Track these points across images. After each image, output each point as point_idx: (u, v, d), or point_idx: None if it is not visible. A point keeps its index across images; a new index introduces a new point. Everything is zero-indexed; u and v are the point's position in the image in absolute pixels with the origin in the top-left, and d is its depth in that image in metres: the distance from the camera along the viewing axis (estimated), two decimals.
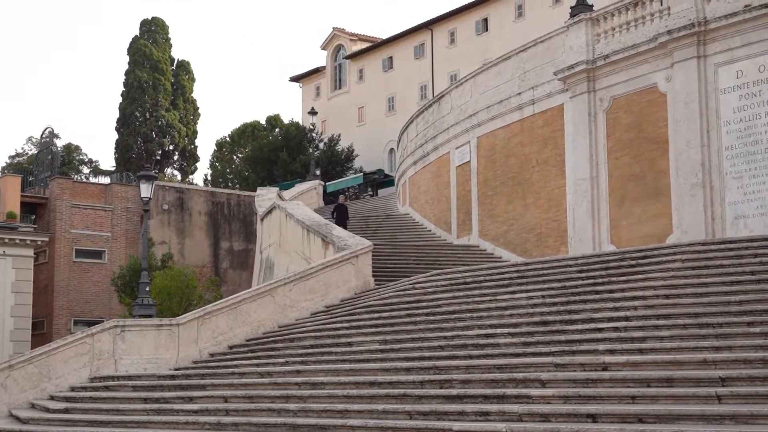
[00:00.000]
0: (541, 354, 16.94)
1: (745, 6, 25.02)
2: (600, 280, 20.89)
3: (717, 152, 25.74)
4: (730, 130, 25.53)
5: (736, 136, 25.38)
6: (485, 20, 70.17)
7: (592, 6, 31.24)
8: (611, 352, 16.05)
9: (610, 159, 28.92)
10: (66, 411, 22.08)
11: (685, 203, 26.20)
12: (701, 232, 25.39)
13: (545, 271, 23.12)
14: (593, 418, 13.41)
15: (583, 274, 21.79)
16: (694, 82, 26.20)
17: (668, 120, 27.07)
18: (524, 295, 21.29)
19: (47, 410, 22.54)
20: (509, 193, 33.76)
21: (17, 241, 49.09)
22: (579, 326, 18.06)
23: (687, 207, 26.14)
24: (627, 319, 17.76)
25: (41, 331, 52.00)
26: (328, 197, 61.65)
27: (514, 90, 33.57)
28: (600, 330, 17.47)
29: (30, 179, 61.93)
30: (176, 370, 23.79)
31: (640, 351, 15.81)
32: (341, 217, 36.99)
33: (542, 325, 18.81)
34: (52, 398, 23.53)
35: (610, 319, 17.94)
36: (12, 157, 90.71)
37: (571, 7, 31.79)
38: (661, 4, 27.44)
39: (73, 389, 23.82)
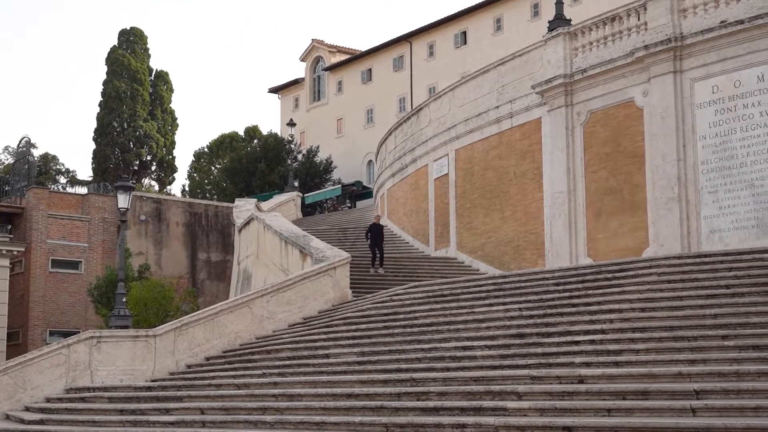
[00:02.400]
0: (517, 366, 17.00)
1: (721, 22, 25.23)
2: (577, 293, 20.99)
3: (693, 166, 25.91)
4: (705, 145, 25.72)
5: (711, 151, 25.57)
6: (464, 33, 70.41)
7: (570, 20, 31.43)
8: (587, 364, 16.14)
9: (587, 172, 29.04)
10: (41, 422, 21.95)
11: (661, 217, 26.36)
12: (677, 246, 25.55)
13: (522, 284, 23.21)
14: (569, 430, 13.48)
15: (560, 287, 21.89)
16: (671, 97, 26.39)
17: (645, 134, 27.23)
18: (501, 307, 21.35)
19: (22, 421, 22.41)
20: (487, 205, 33.83)
21: None
22: (555, 339, 18.15)
23: (663, 221, 26.29)
24: (603, 332, 17.87)
25: (16, 342, 51.72)
26: (306, 209, 61.66)
27: (493, 103, 33.66)
28: (576, 343, 17.57)
29: (6, 189, 61.62)
30: (153, 381, 23.71)
31: (616, 364, 15.90)
32: (376, 239, 32.50)
33: (519, 337, 18.89)
34: (27, 409, 23.40)
35: (587, 332, 18.04)
36: None
37: (549, 22, 31.97)
38: (639, 20, 27.63)
39: (48, 400, 23.70)
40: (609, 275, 21.71)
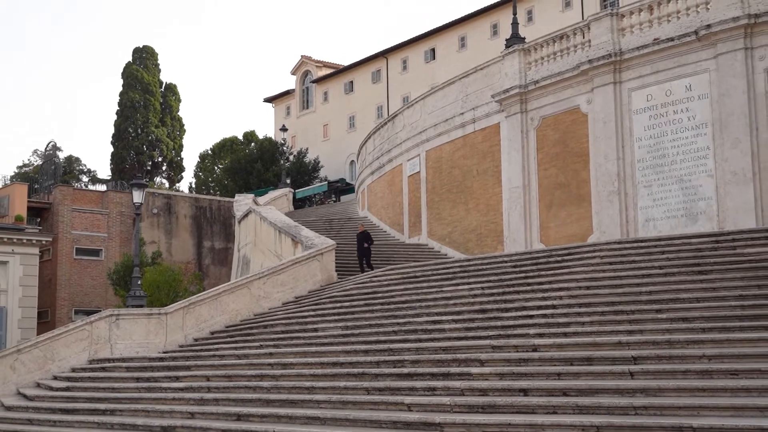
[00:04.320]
0: (480, 338, 17.05)
1: (654, 39, 25.35)
2: (531, 274, 21.05)
3: (630, 164, 26.04)
4: (641, 146, 25.85)
5: (646, 151, 25.69)
6: (433, 50, 70.36)
7: (524, 38, 31.54)
8: (540, 335, 16.20)
9: (539, 170, 29.13)
10: (68, 389, 21.87)
11: (604, 208, 26.47)
12: (617, 233, 25.67)
13: (484, 267, 23.25)
14: (525, 392, 13.54)
15: (517, 269, 21.94)
16: (611, 104, 26.50)
17: (589, 137, 27.33)
18: (466, 287, 21.39)
19: (51, 389, 22.32)
20: (453, 199, 33.88)
21: (24, 241, 48.55)
22: (513, 313, 18.20)
23: (605, 211, 26.40)
24: (554, 307, 17.93)
25: (46, 320, 51.44)
26: (297, 203, 61.46)
27: (458, 110, 33.70)
28: (531, 317, 17.62)
29: (35, 187, 61.19)
30: (164, 353, 23.64)
31: (565, 334, 15.97)
32: (360, 249, 29.66)
33: (481, 312, 18.92)
34: (55, 378, 23.29)
35: (540, 308, 18.10)
36: (20, 168, 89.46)
37: (507, 39, 32.04)
38: (584, 37, 27.72)
39: (74, 370, 23.60)
40: (559, 258, 21.78)
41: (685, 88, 24.87)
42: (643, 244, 21.31)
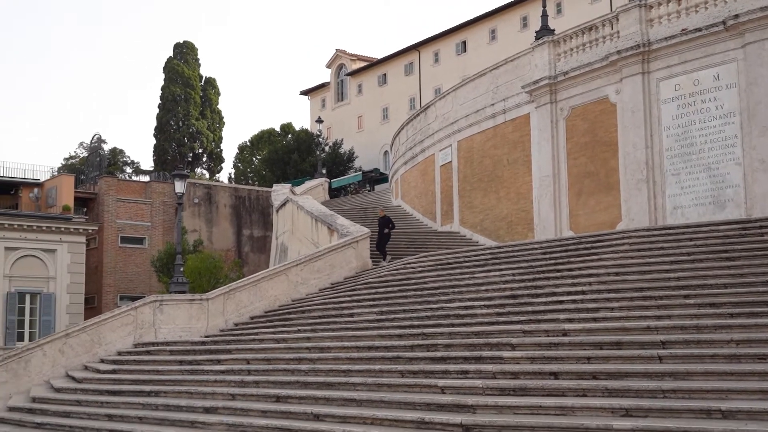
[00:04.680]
0: (511, 322, 17.00)
1: (682, 30, 25.05)
2: (561, 261, 20.94)
3: (659, 153, 25.79)
4: (669, 134, 25.59)
5: (674, 140, 25.43)
6: (464, 43, 70.08)
7: (553, 30, 31.27)
8: (570, 320, 16.12)
9: (569, 159, 28.95)
10: (114, 372, 22.12)
11: (632, 196, 26.25)
12: (645, 220, 25.46)
13: (515, 254, 23.17)
14: (555, 375, 13.48)
15: (547, 256, 21.84)
16: (640, 94, 26.24)
17: (618, 126, 27.10)
18: (497, 273, 21.33)
19: (98, 371, 22.59)
20: (485, 188, 33.78)
21: (71, 230, 49.14)
22: (543, 299, 18.12)
23: (633, 199, 26.19)
24: (583, 293, 17.82)
25: (92, 306, 52.05)
26: (333, 192, 61.60)
27: (488, 101, 33.56)
28: (561, 302, 17.53)
29: (82, 178, 61.86)
30: (206, 337, 23.83)
31: (594, 319, 15.88)
32: (380, 234, 28.80)
33: (512, 298, 18.87)
34: (102, 361, 23.57)
35: (569, 293, 18.00)
36: (66, 160, 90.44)
37: (536, 32, 31.80)
38: (612, 29, 27.45)
39: (119, 353, 23.85)
40: (588, 245, 21.64)
41: (713, 78, 24.56)
42: (671, 232, 21.11)
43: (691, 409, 11.15)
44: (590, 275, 18.94)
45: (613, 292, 17.37)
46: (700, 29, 24.56)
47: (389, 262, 27.67)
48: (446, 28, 71.69)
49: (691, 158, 24.96)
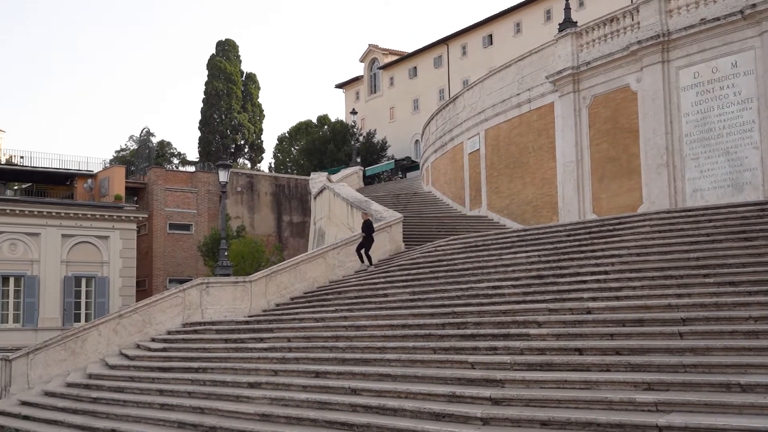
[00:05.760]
0: (537, 301, 16.90)
1: (701, 20, 24.63)
2: (584, 242, 20.77)
3: (678, 138, 25.44)
4: (689, 121, 25.22)
5: (693, 125, 25.06)
6: (490, 36, 69.60)
7: (576, 23, 30.94)
8: (594, 299, 15.98)
9: (591, 145, 28.68)
10: (164, 350, 22.33)
11: (653, 180, 25.95)
12: (666, 203, 25.16)
13: (540, 236, 23.02)
14: (580, 351, 13.38)
15: (571, 238, 21.68)
16: (660, 82, 25.89)
17: (638, 113, 26.77)
18: (524, 254, 21.21)
19: (149, 350, 22.81)
20: (511, 174, 33.59)
21: (123, 218, 49.68)
22: (568, 279, 17.98)
23: (654, 183, 25.88)
24: (606, 273, 17.66)
25: (143, 288, 52.63)
26: (367, 180, 61.61)
27: (514, 91, 33.33)
28: (585, 282, 17.38)
29: (132, 169, 62.45)
30: (250, 317, 23.97)
31: (617, 298, 15.72)
32: (363, 239, 26.06)
33: (538, 278, 18.75)
34: (153, 340, 23.80)
35: (593, 273, 17.85)
36: (117, 152, 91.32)
37: (559, 24, 31.47)
38: (633, 20, 27.07)
39: (169, 333, 24.08)
40: (611, 227, 21.44)
41: (731, 65, 24.14)
42: (691, 213, 20.84)
43: (711, 383, 11.01)
44: (613, 256, 18.75)
45: (635, 271, 17.19)
46: (718, 18, 24.14)
47: (368, 266, 25.69)
48: (473, 22, 71.26)
49: (710, 143, 24.59)
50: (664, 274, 16.43)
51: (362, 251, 25.94)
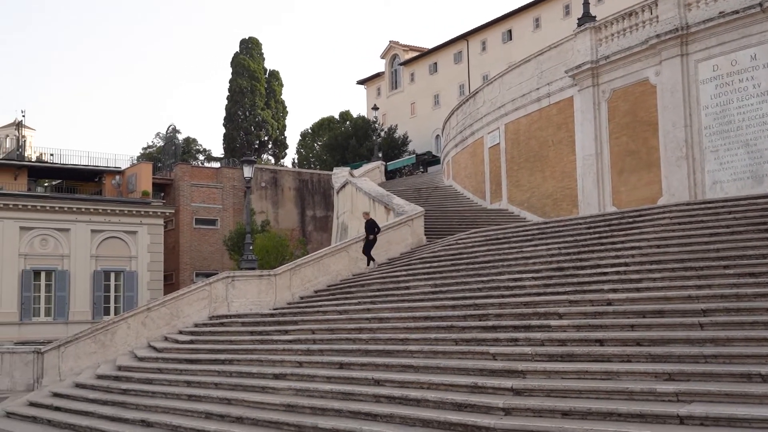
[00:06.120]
0: (558, 293, 16.82)
1: (720, 13, 24.38)
2: (604, 235, 20.64)
3: (698, 131, 25.21)
4: (708, 113, 24.99)
5: (713, 118, 24.82)
6: (510, 31, 69.31)
7: (595, 17, 30.71)
8: (614, 290, 15.88)
9: (611, 138, 28.49)
10: (191, 342, 22.45)
11: (672, 172, 25.74)
12: (685, 195, 24.95)
13: (561, 228, 22.91)
14: (600, 342, 13.31)
15: (591, 230, 21.55)
16: (679, 76, 25.66)
17: (658, 106, 26.55)
18: (544, 247, 21.12)
19: (177, 342, 22.94)
20: (531, 167, 33.46)
21: (150, 213, 50.03)
22: (588, 271, 17.88)
23: (674, 175, 25.68)
24: (626, 264, 17.54)
25: (171, 282, 52.96)
26: (389, 174, 61.60)
27: (534, 86, 33.18)
28: (605, 274, 17.28)
29: (159, 165, 62.81)
30: (274, 309, 24.02)
31: (637, 290, 15.61)
32: (367, 239, 25.77)
33: (559, 270, 18.66)
34: (180, 332, 23.91)
35: (613, 265, 17.74)
36: (144, 149, 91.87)
37: (578, 19, 31.25)
38: (651, 14, 26.84)
39: (196, 325, 24.19)
40: (630, 220, 21.29)
41: (750, 58, 23.87)
42: (710, 205, 20.64)
43: (732, 373, 10.92)
44: (633, 248, 18.62)
45: (655, 263, 17.06)
46: (737, 11, 23.88)
47: (374, 267, 25.45)
48: (493, 18, 71.08)
49: (729, 135, 24.35)
50: (684, 265, 16.29)
51: (369, 252, 25.59)
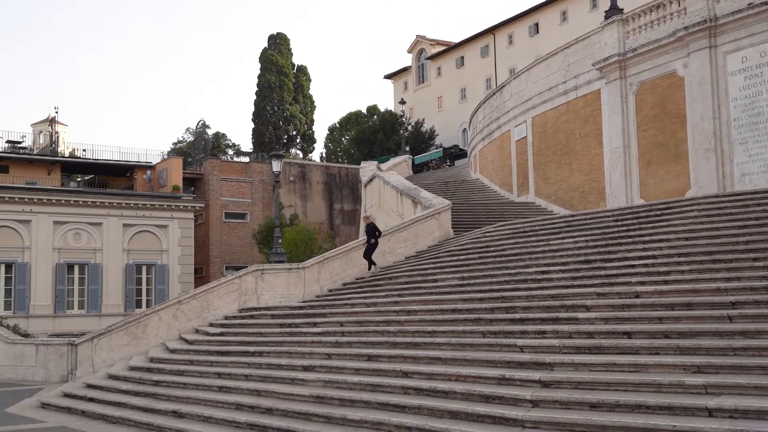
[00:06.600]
0: (585, 286, 16.72)
1: (749, 4, 24.06)
2: (632, 227, 20.48)
3: (726, 123, 24.92)
4: (737, 105, 24.68)
5: (742, 110, 24.51)
6: (536, 25, 68.88)
7: (622, 9, 30.42)
8: (642, 283, 15.77)
9: (638, 131, 28.24)
10: (222, 334, 22.60)
11: (701, 165, 25.47)
12: (714, 188, 24.69)
13: (588, 221, 22.77)
14: (628, 335, 13.22)
15: (619, 223, 21.39)
16: (707, 68, 25.36)
17: (686, 99, 26.27)
18: (571, 239, 21.00)
19: (207, 334, 23.10)
20: (558, 160, 33.26)
21: (181, 207, 50.37)
22: (615, 263, 17.76)
23: (702, 168, 25.40)
24: (654, 257, 17.40)
25: (201, 275, 53.34)
26: (416, 168, 61.53)
27: (561, 79, 32.96)
28: (632, 266, 17.16)
29: (189, 160, 63.26)
30: (303, 302, 24.09)
31: (666, 282, 15.48)
32: (369, 239, 25.12)
33: (586, 263, 18.55)
34: (211, 325, 24.06)
35: (641, 258, 17.61)
36: (175, 144, 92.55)
37: (605, 11, 30.98)
38: (679, 5, 26.54)
39: (226, 318, 24.33)
40: (658, 212, 21.10)
41: None
42: (739, 197, 20.40)
43: (762, 365, 10.80)
44: (661, 240, 18.46)
45: (683, 255, 16.90)
46: (765, 2, 23.54)
47: (375, 271, 24.94)
48: (519, 11, 70.67)
49: (759, 127, 24.03)
50: (712, 258, 16.12)
51: (371, 257, 25.08)
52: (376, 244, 25.04)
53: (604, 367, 12.25)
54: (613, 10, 30.10)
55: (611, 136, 29.26)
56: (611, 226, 21.31)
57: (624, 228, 20.64)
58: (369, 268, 25.25)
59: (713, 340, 12.13)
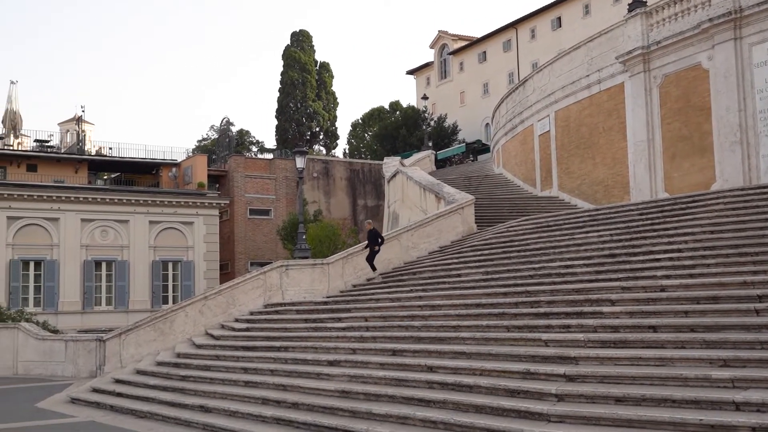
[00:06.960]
0: (610, 280, 16.61)
1: None
2: (657, 221, 20.32)
3: (752, 115, 24.63)
4: (762, 97, 24.38)
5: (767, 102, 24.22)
6: (559, 18, 68.46)
7: (645, 2, 30.16)
8: (667, 277, 15.64)
9: (663, 124, 27.99)
10: (247, 330, 22.70)
11: (726, 157, 25.20)
12: (739, 180, 24.42)
13: (612, 215, 22.61)
14: (654, 329, 13.13)
15: (643, 216, 21.22)
16: (732, 60, 25.07)
17: (710, 91, 26.00)
18: (595, 233, 20.87)
19: (233, 329, 23.22)
20: (581, 154, 33.06)
21: (206, 204, 50.66)
22: (640, 257, 17.63)
23: (727, 160, 25.14)
24: (680, 251, 17.25)
25: (226, 271, 53.62)
26: (439, 163, 61.40)
27: (584, 73, 32.74)
28: (658, 260, 17.02)
29: (213, 157, 63.55)
30: (327, 297, 24.15)
31: (691, 276, 15.35)
32: (372, 246, 24.66)
33: (611, 257, 18.43)
34: (236, 320, 24.19)
35: (666, 251, 17.46)
36: (199, 141, 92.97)
37: (629, 4, 30.70)
38: None
39: (251, 313, 24.45)
40: (683, 206, 20.91)
41: None
42: (765, 190, 20.14)
43: None
44: (686, 234, 18.30)
45: (708, 249, 16.75)
46: None
47: (376, 275, 24.84)
48: (542, 5, 70.22)
49: None
50: (738, 251, 15.96)
51: (372, 262, 24.76)
52: (378, 251, 24.62)
53: (630, 361, 12.18)
54: (637, 3, 29.84)
55: (635, 130, 29.03)
56: (636, 219, 21.15)
57: (649, 222, 20.48)
58: (373, 270, 24.91)
59: (740, 333, 12.01)
